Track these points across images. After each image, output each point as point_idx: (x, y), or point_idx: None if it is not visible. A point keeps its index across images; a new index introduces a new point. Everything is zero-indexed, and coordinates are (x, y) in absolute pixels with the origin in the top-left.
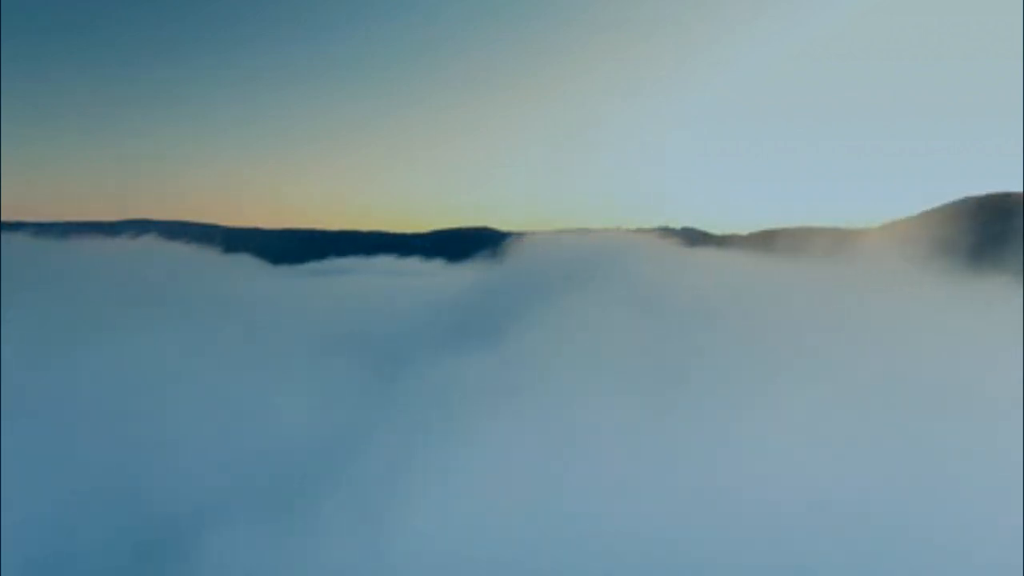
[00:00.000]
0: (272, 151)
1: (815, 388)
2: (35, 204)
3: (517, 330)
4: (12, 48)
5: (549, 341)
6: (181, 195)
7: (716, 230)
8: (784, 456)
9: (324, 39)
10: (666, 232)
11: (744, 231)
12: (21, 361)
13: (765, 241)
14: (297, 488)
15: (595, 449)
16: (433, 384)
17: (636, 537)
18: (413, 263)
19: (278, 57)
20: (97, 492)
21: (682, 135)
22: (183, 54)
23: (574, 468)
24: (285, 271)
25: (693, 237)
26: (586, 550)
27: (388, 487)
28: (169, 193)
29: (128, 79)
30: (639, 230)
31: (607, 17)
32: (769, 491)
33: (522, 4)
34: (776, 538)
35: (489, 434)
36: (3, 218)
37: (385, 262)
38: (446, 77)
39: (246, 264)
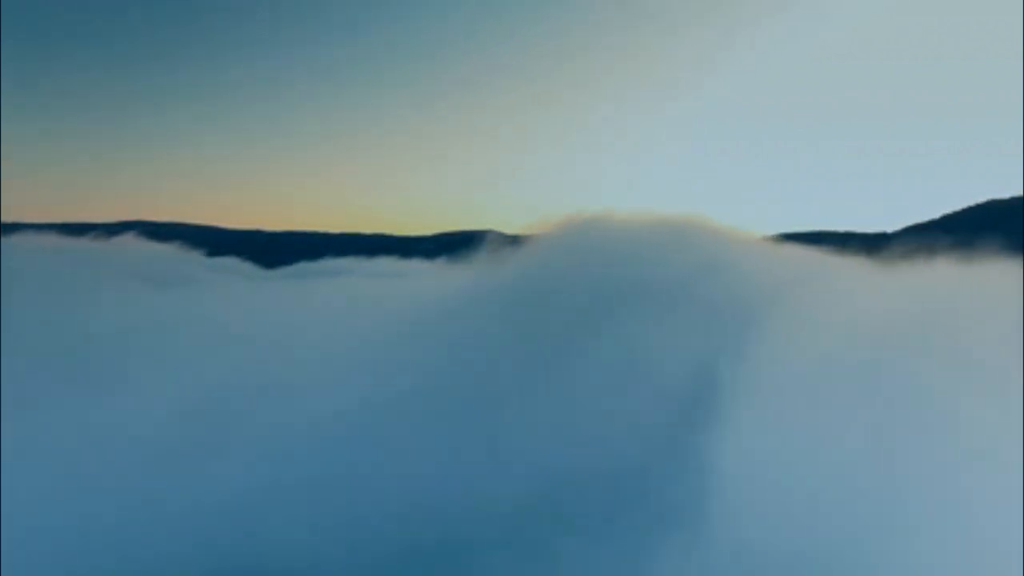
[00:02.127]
0: (276, 153)
1: None
2: (35, 204)
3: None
4: (12, 48)
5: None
6: (181, 196)
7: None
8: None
9: (327, 41)
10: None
11: (758, 235)
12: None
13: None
14: None
15: None
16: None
17: None
18: (413, 270)
19: (282, 59)
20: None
21: (692, 137)
22: (186, 55)
23: None
24: (277, 275)
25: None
26: None
27: None
28: (169, 194)
29: (130, 80)
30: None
31: (613, 20)
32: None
33: (529, 6)
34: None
35: None
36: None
37: (385, 267)
38: (451, 79)
39: (231, 269)
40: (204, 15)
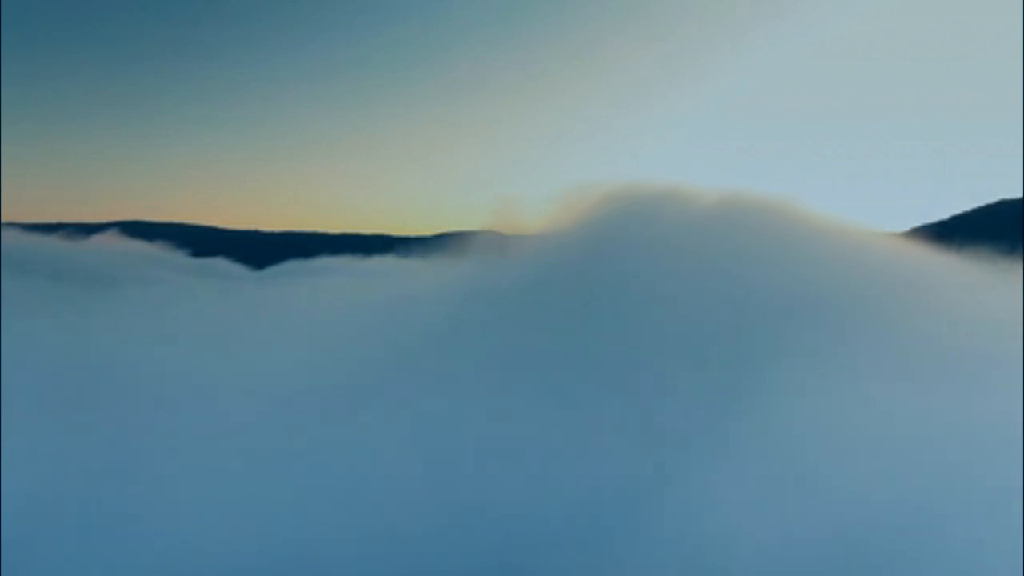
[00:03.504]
0: (274, 153)
1: None
2: (35, 204)
3: None
4: (12, 48)
5: None
6: (177, 196)
7: None
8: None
9: (327, 40)
10: None
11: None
12: None
13: None
14: None
15: None
16: None
17: None
18: (410, 269)
19: (281, 59)
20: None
21: (691, 136)
22: (186, 55)
23: None
24: (263, 275)
25: None
26: None
27: None
28: (164, 194)
29: (129, 80)
30: None
31: (614, 19)
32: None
33: (528, 5)
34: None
35: None
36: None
37: (381, 267)
38: (451, 79)
39: (213, 270)
40: (200, 15)
